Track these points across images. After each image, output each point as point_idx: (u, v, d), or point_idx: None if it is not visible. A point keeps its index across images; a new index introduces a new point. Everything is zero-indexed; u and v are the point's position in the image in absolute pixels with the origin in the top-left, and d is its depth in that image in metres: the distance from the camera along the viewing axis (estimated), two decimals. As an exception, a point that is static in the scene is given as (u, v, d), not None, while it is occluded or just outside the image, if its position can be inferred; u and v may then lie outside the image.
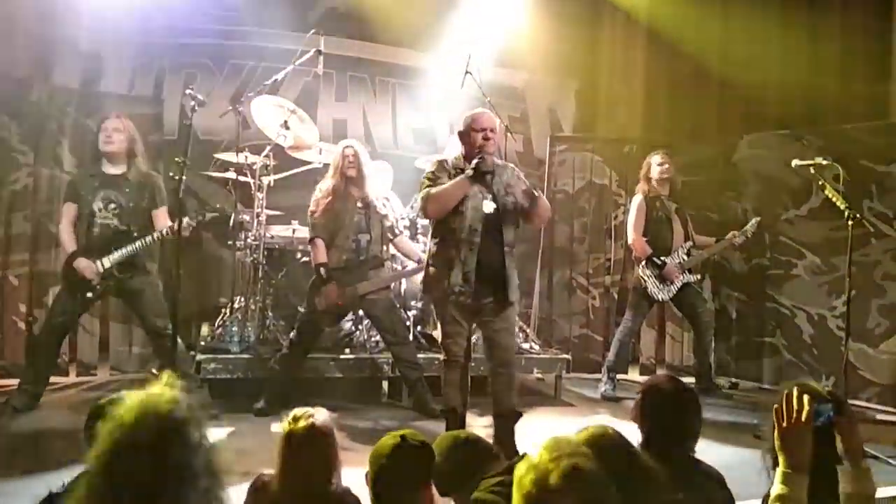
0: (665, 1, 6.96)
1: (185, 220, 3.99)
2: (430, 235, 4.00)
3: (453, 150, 5.66)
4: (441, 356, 3.95)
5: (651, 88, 7.58)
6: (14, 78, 5.69)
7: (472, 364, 4.13)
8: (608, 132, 7.37)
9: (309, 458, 2.15)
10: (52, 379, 4.79)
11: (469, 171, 3.73)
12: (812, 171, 4.84)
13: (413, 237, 5.53)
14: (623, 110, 7.62)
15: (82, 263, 4.29)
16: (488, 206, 3.77)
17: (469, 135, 3.86)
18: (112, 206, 4.38)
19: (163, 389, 1.46)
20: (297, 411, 2.23)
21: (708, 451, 2.28)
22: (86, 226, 4.38)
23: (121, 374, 5.65)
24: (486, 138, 3.80)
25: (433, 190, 3.77)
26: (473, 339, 4.95)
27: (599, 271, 6.71)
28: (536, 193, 3.81)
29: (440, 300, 3.87)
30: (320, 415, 2.23)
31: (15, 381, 4.58)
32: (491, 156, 3.80)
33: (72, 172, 5.23)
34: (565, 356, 5.72)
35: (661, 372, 6.00)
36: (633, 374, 6.36)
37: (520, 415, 3.89)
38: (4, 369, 5.25)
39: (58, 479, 1.93)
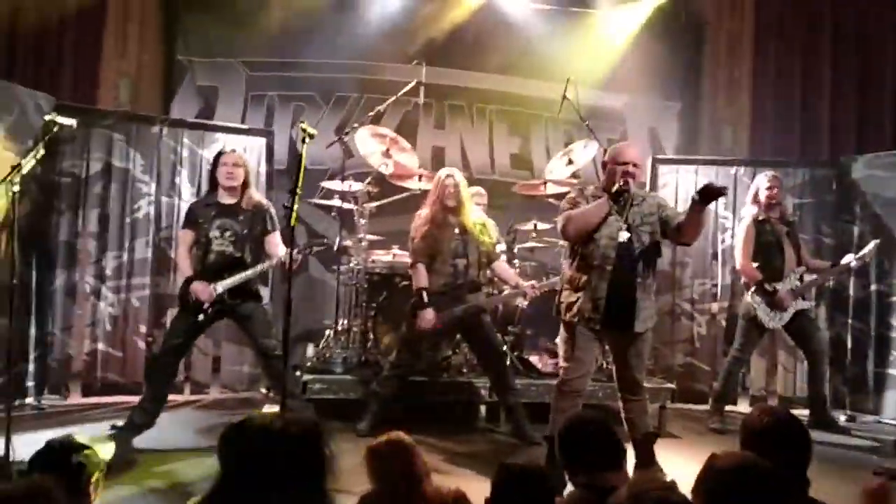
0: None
1: (294, 252, 4.10)
2: (567, 260, 4.01)
3: (554, 174, 5.73)
4: (554, 381, 3.96)
5: (758, 107, 7.32)
6: (138, 113, 6.12)
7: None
8: (713, 153, 7.16)
9: (390, 469, 2.40)
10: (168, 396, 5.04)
11: (602, 193, 3.81)
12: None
13: (509, 262, 5.53)
14: (728, 130, 7.39)
15: (198, 286, 4.45)
16: (623, 236, 3.77)
17: (611, 166, 3.87)
18: (228, 233, 4.55)
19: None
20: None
21: (824, 488, 2.17)
22: (202, 252, 4.57)
23: (232, 392, 5.90)
24: (627, 172, 3.79)
25: (573, 211, 3.83)
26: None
27: (705, 297, 6.49)
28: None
29: (568, 325, 3.87)
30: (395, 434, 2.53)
31: (136, 398, 4.82)
32: (630, 187, 3.79)
33: (189, 201, 5.55)
34: (670, 385, 5.55)
35: (765, 403, 5.70)
36: (743, 406, 6.08)
37: (657, 435, 3.98)
38: (126, 387, 5.58)
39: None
